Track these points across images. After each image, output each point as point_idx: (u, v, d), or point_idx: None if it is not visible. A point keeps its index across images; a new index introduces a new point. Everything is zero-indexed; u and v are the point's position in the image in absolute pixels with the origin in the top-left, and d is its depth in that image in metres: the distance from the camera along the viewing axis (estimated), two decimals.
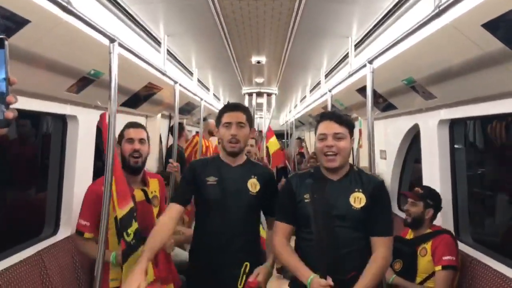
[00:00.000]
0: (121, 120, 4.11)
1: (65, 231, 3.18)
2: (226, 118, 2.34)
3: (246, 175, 2.36)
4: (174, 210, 2.29)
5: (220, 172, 2.35)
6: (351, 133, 2.19)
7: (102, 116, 2.50)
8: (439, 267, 2.68)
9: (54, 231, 3.16)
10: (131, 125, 2.71)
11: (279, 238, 2.22)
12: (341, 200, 2.11)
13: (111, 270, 2.51)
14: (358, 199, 2.11)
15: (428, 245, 2.79)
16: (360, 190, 2.12)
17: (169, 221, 2.25)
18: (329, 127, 2.14)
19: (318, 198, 2.15)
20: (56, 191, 3.23)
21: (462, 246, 3.03)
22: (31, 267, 2.58)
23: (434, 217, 2.95)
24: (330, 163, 2.13)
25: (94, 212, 2.49)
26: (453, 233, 3.12)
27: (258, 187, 2.34)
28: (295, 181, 2.27)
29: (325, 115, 2.23)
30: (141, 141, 2.64)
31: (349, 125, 2.19)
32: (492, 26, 1.90)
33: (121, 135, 2.67)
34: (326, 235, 2.08)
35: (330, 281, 1.98)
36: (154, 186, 2.78)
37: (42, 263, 2.70)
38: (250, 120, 2.41)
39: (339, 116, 2.19)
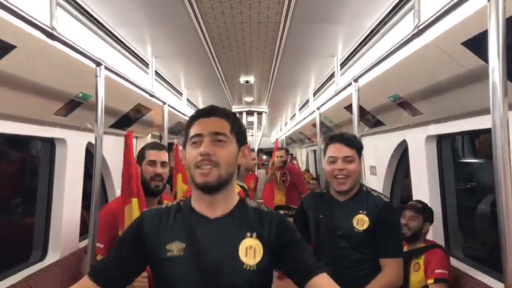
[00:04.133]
0: (111, 142, 4.15)
1: (53, 255, 3.14)
2: (195, 129, 1.36)
3: (237, 233, 1.33)
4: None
5: (191, 232, 1.34)
6: (360, 155, 2.18)
7: (127, 136, 2.42)
8: (431, 280, 2.69)
9: (42, 256, 3.12)
10: (153, 146, 2.56)
11: None
12: (345, 221, 2.11)
13: None
14: (361, 221, 2.08)
15: (421, 260, 2.79)
16: (364, 213, 2.09)
17: None
18: (339, 150, 2.13)
19: (325, 218, 2.17)
20: (45, 215, 3.20)
21: (453, 261, 3.03)
22: None
23: (428, 230, 2.97)
24: (340, 186, 2.13)
25: (109, 233, 2.32)
26: (445, 247, 3.14)
27: (260, 254, 1.31)
28: (307, 201, 2.34)
29: (335, 138, 2.20)
30: (163, 164, 2.50)
31: (358, 147, 2.17)
32: (471, 44, 1.94)
33: (142, 155, 2.52)
34: (331, 255, 2.10)
35: None
36: None
37: None
38: (239, 132, 1.41)
39: (348, 138, 2.17)
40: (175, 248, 1.31)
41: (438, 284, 2.67)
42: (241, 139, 1.41)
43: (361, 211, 2.10)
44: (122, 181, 2.31)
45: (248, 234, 1.33)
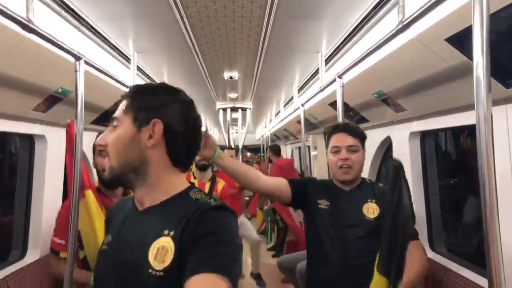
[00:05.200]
0: (92, 138, 4.07)
1: (33, 254, 3.07)
2: None
3: (155, 229, 1.08)
4: None
5: (122, 224, 1.18)
6: (363, 145, 2.16)
7: (68, 126, 2.36)
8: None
9: (22, 255, 3.05)
10: None
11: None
12: (354, 210, 2.07)
13: None
14: (371, 210, 2.07)
15: None
16: (373, 201, 2.08)
17: None
18: (343, 140, 2.11)
19: (333, 206, 2.11)
20: (24, 213, 3.13)
21: (436, 257, 3.05)
22: None
23: None
24: (344, 176, 2.10)
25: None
26: (428, 242, 3.17)
27: (170, 258, 1.03)
28: (313, 182, 2.25)
29: (338, 127, 2.18)
30: None
31: (362, 137, 2.15)
32: (455, 40, 1.94)
33: None
34: (338, 245, 2.03)
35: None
36: None
37: None
38: (140, 107, 1.12)
39: (352, 128, 2.15)
40: (106, 241, 1.19)
41: None
42: (143, 116, 1.10)
43: (369, 200, 2.08)
44: (68, 176, 2.22)
45: (165, 231, 1.06)
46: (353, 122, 4.16)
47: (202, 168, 3.60)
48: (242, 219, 5.21)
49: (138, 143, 1.10)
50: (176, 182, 1.15)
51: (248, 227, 5.23)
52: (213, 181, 3.65)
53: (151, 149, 1.11)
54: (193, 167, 3.73)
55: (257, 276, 5.31)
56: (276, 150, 6.70)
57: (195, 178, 3.65)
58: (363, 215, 2.05)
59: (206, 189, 3.59)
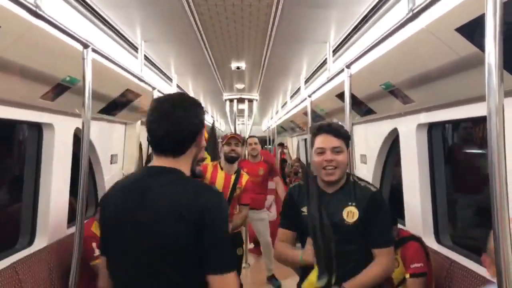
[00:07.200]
0: (100, 128, 4.09)
1: (41, 241, 3.11)
2: None
3: None
4: None
5: None
6: (348, 145, 2.17)
7: None
8: (407, 275, 2.71)
9: (30, 242, 3.08)
10: None
11: (278, 242, 2.28)
12: (334, 214, 2.09)
13: None
14: (351, 214, 2.09)
15: (398, 256, 2.77)
16: (353, 204, 2.10)
17: None
18: (327, 141, 2.12)
19: (314, 211, 2.12)
20: (32, 201, 3.16)
21: (442, 249, 3.05)
22: (3, 282, 2.50)
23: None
24: (329, 177, 2.11)
25: None
26: (434, 235, 3.17)
27: None
28: (296, 191, 2.29)
29: (322, 128, 2.18)
30: None
31: (346, 138, 2.17)
32: (465, 30, 1.92)
33: None
34: (322, 248, 2.05)
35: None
36: None
37: (16, 276, 2.62)
38: None
39: (336, 129, 2.16)
40: None
41: (415, 278, 2.69)
42: None
43: (350, 203, 2.11)
44: None
45: None
46: (360, 114, 4.15)
47: (231, 161, 3.65)
48: (266, 216, 5.26)
49: None
50: None
51: (266, 226, 5.25)
52: (238, 174, 3.69)
53: None
54: (222, 158, 3.76)
55: (272, 278, 5.32)
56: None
57: (222, 169, 3.68)
58: (343, 219, 2.08)
59: (232, 181, 3.64)
